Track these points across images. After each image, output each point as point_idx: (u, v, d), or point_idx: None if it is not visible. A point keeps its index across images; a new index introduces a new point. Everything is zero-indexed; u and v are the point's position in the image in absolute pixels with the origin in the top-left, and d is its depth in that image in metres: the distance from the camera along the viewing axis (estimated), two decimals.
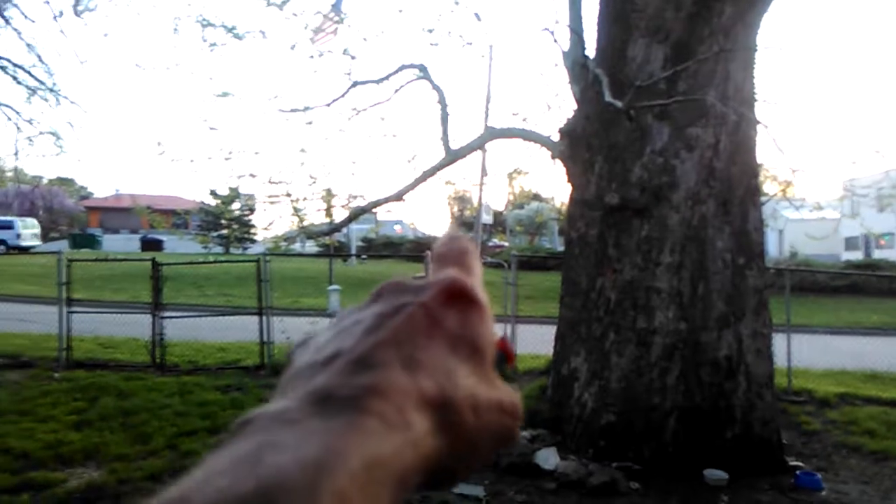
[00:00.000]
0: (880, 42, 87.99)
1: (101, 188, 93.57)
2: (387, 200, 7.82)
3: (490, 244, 44.79)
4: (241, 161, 8.36)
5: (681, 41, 5.65)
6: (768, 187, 9.03)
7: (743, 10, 5.68)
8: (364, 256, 30.35)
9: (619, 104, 4.68)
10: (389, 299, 0.35)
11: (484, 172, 22.34)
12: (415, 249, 32.49)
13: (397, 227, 52.64)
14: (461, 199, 65.91)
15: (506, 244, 46.39)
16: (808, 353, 9.42)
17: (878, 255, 35.23)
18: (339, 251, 30.64)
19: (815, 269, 21.65)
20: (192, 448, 5.84)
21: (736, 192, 5.78)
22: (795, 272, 13.15)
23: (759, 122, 5.82)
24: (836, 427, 6.93)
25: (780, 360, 6.74)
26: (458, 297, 0.35)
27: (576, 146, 6.38)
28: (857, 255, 37.52)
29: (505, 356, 7.01)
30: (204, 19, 8.59)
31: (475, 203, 26.95)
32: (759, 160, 6.37)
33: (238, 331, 10.79)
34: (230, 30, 8.49)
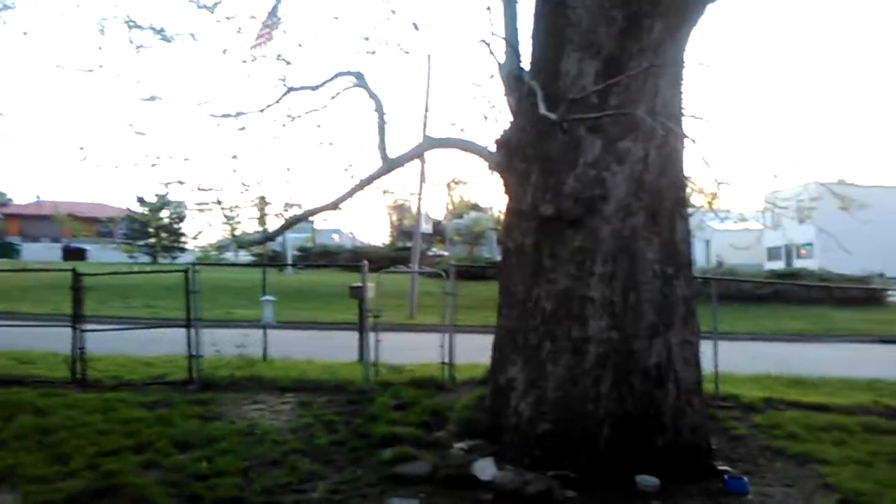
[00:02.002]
0: (799, 59, 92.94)
1: (22, 195, 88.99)
2: (322, 209, 7.70)
3: (429, 254, 44.85)
4: (169, 167, 8.08)
5: (612, 56, 5.78)
6: (695, 199, 9.34)
7: (672, 27, 5.86)
8: (297, 266, 29.82)
9: (552, 116, 4.73)
10: None
11: (423, 181, 22.42)
12: (352, 259, 32.21)
13: (335, 236, 52.09)
14: (400, 209, 65.79)
15: (445, 254, 46.57)
16: (734, 359, 9.77)
17: (798, 264, 37.02)
18: (273, 260, 30.06)
19: (739, 278, 22.54)
20: (116, 468, 5.56)
21: (664, 204, 5.94)
22: (721, 281, 13.65)
23: (686, 137, 6.00)
24: (762, 431, 7.17)
25: (707, 367, 6.93)
26: None
27: (512, 157, 6.44)
28: (779, 265, 39.34)
29: None
30: (131, 20, 8.27)
31: (414, 212, 26.95)
32: (686, 173, 6.58)
33: (165, 344, 10.41)
34: (158, 31, 8.20)
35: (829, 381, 10.25)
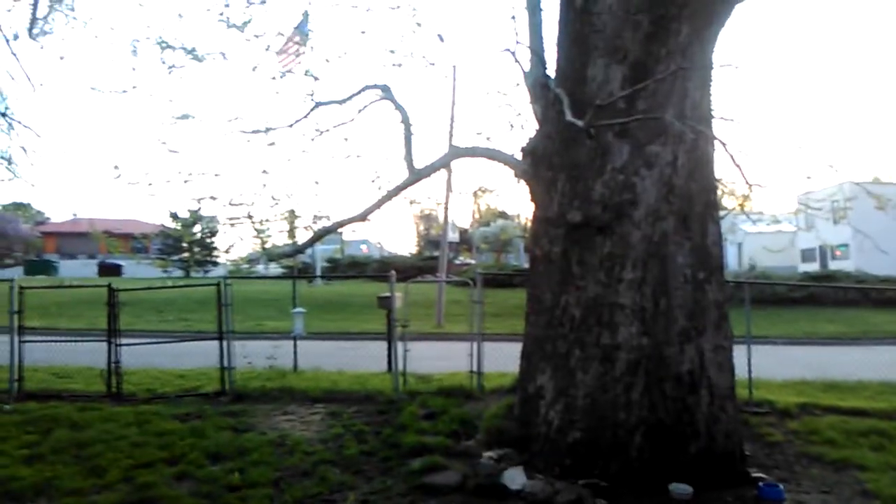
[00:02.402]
0: (831, 60, 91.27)
1: (59, 213, 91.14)
2: (351, 221, 7.75)
3: (457, 262, 44.89)
4: (201, 183, 8.22)
5: (639, 61, 5.74)
6: (726, 202, 9.21)
7: (699, 29, 5.80)
8: (326, 277, 30.04)
9: (579, 123, 4.71)
10: None
11: (449, 191, 22.46)
12: (381, 269, 32.39)
13: (363, 247, 52.40)
14: (427, 218, 66.06)
15: (472, 262, 46.56)
16: (769, 364, 9.57)
17: (833, 265, 36.22)
18: (303, 272, 30.35)
19: (773, 281, 22.12)
20: (150, 480, 5.66)
21: (695, 207, 5.87)
22: (754, 285, 13.41)
23: (716, 139, 5.93)
24: (798, 437, 7.02)
25: (740, 372, 6.81)
26: None
27: (538, 165, 6.42)
28: (813, 267, 38.55)
29: None
30: (163, 41, 8.46)
31: (441, 222, 26.99)
32: (716, 176, 6.49)
33: (198, 356, 10.56)
34: (190, 52, 8.37)
35: (866, 385, 10.00)
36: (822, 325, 20.16)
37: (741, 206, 9.35)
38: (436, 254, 33.71)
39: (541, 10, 6.95)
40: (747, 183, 6.32)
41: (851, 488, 5.61)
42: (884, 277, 24.83)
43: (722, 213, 7.27)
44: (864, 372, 10.46)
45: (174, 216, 31.18)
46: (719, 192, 7.43)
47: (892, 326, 19.63)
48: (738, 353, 6.43)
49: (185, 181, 8.14)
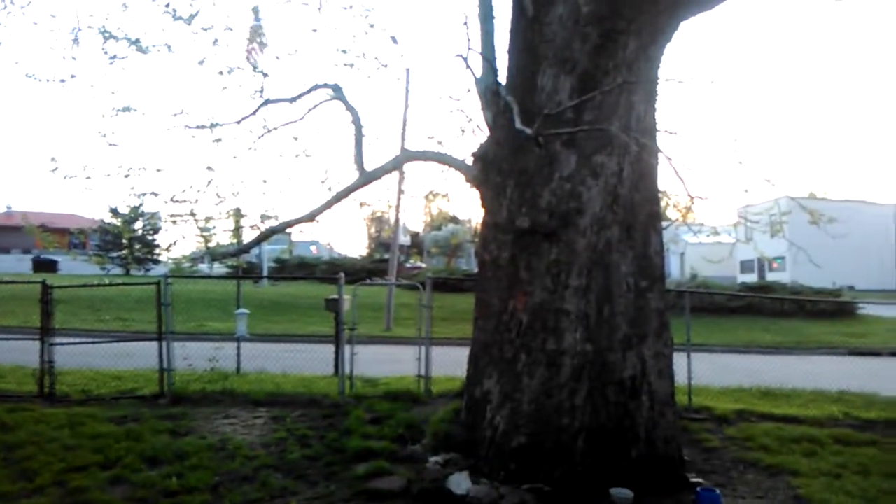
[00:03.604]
0: (771, 74, 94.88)
1: None
2: (298, 221, 7.64)
3: (407, 265, 44.81)
4: (143, 178, 7.97)
5: (587, 72, 5.85)
6: (670, 213, 9.45)
7: (645, 44, 5.96)
8: (270, 279, 29.55)
9: (528, 131, 4.77)
10: None
11: (401, 194, 22.41)
12: (330, 271, 32.04)
13: (313, 248, 51.77)
14: (378, 220, 65.69)
15: (423, 265, 46.55)
16: (708, 371, 9.86)
17: (771, 277, 37.56)
18: (248, 272, 29.77)
19: (713, 290, 22.77)
20: (83, 484, 5.46)
21: (639, 217, 6.00)
22: (695, 294, 13.79)
23: (660, 151, 6.08)
24: (734, 443, 7.24)
25: (680, 379, 7.00)
26: None
27: (488, 170, 6.47)
28: (751, 278, 39.89)
29: None
30: (106, 31, 8.18)
31: (392, 224, 26.92)
32: (660, 187, 6.66)
33: (136, 357, 10.24)
34: (133, 42, 8.12)
35: (800, 393, 10.38)
36: (760, 334, 20.84)
37: (683, 217, 9.62)
38: (386, 256, 33.55)
39: (493, 17, 7.01)
40: (689, 195, 6.51)
41: (784, 493, 5.82)
42: (818, 289, 25.87)
43: (665, 223, 7.45)
44: (799, 380, 10.87)
45: (114, 211, 30.08)
46: (663, 204, 7.62)
47: (826, 337, 20.46)
48: (678, 360, 6.60)
49: (126, 176, 7.89)
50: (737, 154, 8.19)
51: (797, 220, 9.37)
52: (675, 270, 42.96)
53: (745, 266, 44.55)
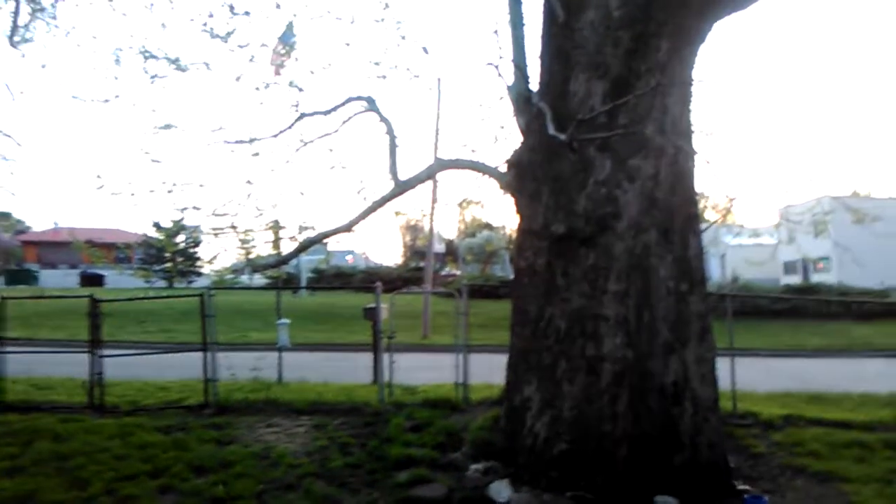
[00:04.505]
0: (810, 73, 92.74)
1: (40, 222, 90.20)
2: (335, 232, 7.76)
3: (442, 273, 44.91)
4: (185, 193, 8.19)
5: (620, 76, 5.83)
6: (708, 215, 9.33)
7: (678, 46, 5.90)
8: (309, 289, 29.90)
9: (562, 137, 4.77)
10: None
11: (435, 202, 22.52)
12: (366, 280, 32.31)
13: (349, 258, 52.28)
14: (413, 229, 66.04)
15: (458, 273, 46.59)
16: (752, 375, 9.65)
17: (816, 278, 36.65)
18: (287, 283, 30.21)
19: (755, 293, 22.31)
20: (133, 493, 5.60)
21: (676, 220, 5.93)
22: (737, 297, 13.51)
23: (696, 153, 6.01)
24: (782, 449, 7.06)
25: (724, 384, 6.86)
26: None
27: (522, 177, 6.47)
28: (795, 279, 38.96)
29: None
30: (146, 51, 8.45)
31: (427, 232, 27.06)
32: (698, 189, 6.57)
33: (181, 368, 10.47)
34: (173, 61, 8.37)
35: (849, 397, 10.09)
36: (806, 337, 20.34)
37: (723, 218, 9.47)
38: (422, 265, 33.70)
39: (523, 24, 7.03)
40: (727, 196, 6.42)
41: (835, 500, 5.66)
42: (865, 290, 25.15)
43: (704, 225, 7.34)
44: (847, 384, 10.57)
45: (157, 226, 30.87)
46: (701, 206, 7.52)
47: (875, 339, 19.87)
48: (722, 365, 6.49)
49: (169, 191, 8.12)
50: (777, 153, 8.05)
51: (841, 220, 9.14)
52: (715, 273, 42.14)
53: (789, 267, 43.54)
